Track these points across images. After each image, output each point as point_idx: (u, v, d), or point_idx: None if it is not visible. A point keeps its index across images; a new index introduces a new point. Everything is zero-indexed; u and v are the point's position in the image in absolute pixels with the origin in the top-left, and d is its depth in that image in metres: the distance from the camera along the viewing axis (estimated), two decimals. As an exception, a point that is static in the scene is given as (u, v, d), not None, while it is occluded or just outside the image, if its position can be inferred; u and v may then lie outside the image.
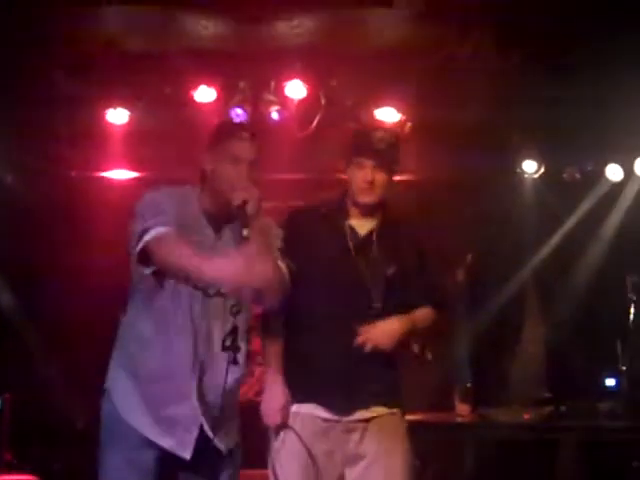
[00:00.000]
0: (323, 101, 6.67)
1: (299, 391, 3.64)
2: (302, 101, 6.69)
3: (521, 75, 6.22)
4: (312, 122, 6.73)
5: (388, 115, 6.80)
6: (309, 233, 3.71)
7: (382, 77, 6.46)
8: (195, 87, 6.53)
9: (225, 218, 3.29)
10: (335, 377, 3.61)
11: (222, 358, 3.24)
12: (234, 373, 3.28)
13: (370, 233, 3.73)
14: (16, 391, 6.27)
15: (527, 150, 7.25)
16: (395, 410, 3.72)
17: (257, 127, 6.52)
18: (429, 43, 6.08)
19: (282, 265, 3.36)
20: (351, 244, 3.69)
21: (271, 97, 6.69)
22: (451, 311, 7.21)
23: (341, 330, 3.59)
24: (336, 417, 3.63)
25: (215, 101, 6.62)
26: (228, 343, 3.23)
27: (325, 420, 3.63)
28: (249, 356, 3.46)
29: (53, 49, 5.86)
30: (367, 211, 3.73)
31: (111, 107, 6.63)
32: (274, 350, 3.68)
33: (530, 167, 7.32)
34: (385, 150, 3.68)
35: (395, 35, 6.03)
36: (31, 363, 6.72)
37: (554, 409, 6.17)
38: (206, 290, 3.28)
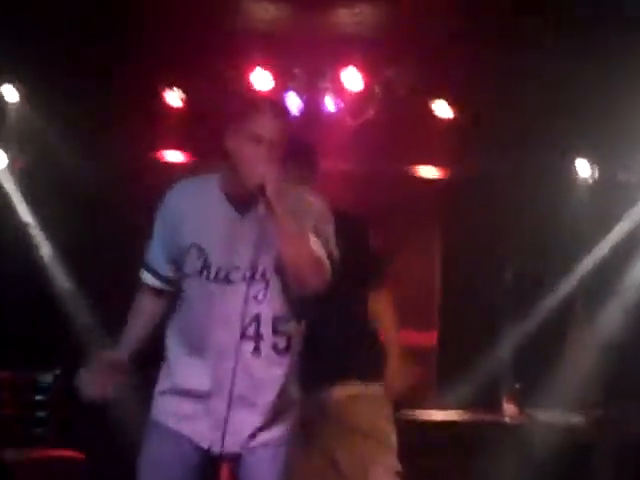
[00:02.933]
0: (378, 90, 6.65)
1: None
2: (357, 90, 6.68)
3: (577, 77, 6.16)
4: (366, 111, 6.71)
5: (443, 107, 6.78)
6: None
7: (440, 68, 6.42)
8: (252, 69, 6.52)
9: (248, 199, 3.06)
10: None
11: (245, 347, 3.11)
12: (260, 363, 3.12)
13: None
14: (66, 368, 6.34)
15: (581, 152, 7.19)
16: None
17: (311, 115, 6.73)
18: (490, 34, 6.02)
19: (318, 246, 3.07)
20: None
21: (326, 85, 6.69)
22: (498, 310, 7.21)
23: None
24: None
25: (271, 89, 6.62)
26: (250, 332, 3.09)
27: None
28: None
29: (116, 26, 5.88)
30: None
31: (168, 88, 6.67)
32: None
33: (584, 170, 7.26)
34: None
35: (456, 25, 5.98)
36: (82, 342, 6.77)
37: (604, 412, 6.10)
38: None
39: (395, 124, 6.73)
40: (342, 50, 6.46)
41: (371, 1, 5.93)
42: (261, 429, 3.15)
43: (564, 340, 7.29)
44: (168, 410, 3.21)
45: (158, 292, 3.28)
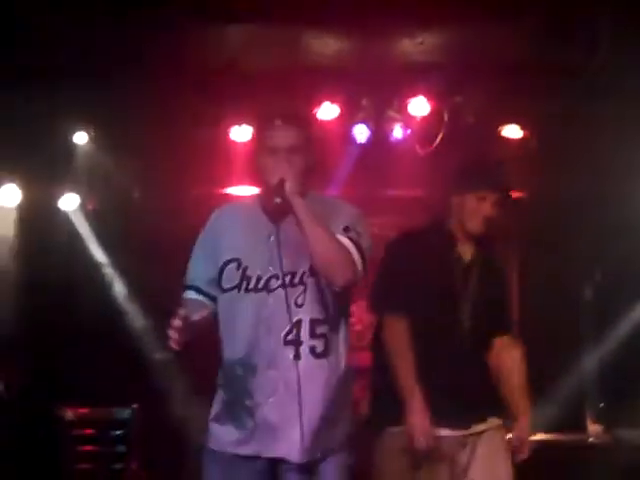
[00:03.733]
0: (446, 118, 6.59)
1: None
2: (425, 118, 6.63)
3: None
4: (435, 139, 6.65)
5: (512, 132, 6.70)
6: (417, 258, 3.76)
7: (507, 93, 6.34)
8: (318, 104, 6.54)
9: (280, 207, 3.11)
10: (448, 391, 3.63)
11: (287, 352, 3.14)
12: (300, 368, 3.12)
13: (472, 258, 3.83)
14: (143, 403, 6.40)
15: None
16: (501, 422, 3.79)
17: (380, 145, 6.71)
18: (555, 58, 5.93)
19: (348, 244, 3.13)
20: (456, 269, 3.78)
21: (394, 114, 6.66)
22: (581, 329, 7.08)
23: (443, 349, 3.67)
24: (452, 432, 3.67)
25: (338, 118, 6.63)
26: (291, 337, 3.14)
27: (441, 437, 3.66)
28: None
29: (180, 66, 5.93)
30: (474, 239, 3.82)
31: (235, 124, 6.69)
32: (406, 365, 3.65)
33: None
34: (507, 185, 3.86)
35: (521, 50, 5.90)
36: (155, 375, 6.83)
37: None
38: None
39: (464, 150, 6.65)
40: (408, 79, 6.45)
41: (433, 30, 5.86)
42: (316, 434, 3.15)
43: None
44: (224, 436, 3.23)
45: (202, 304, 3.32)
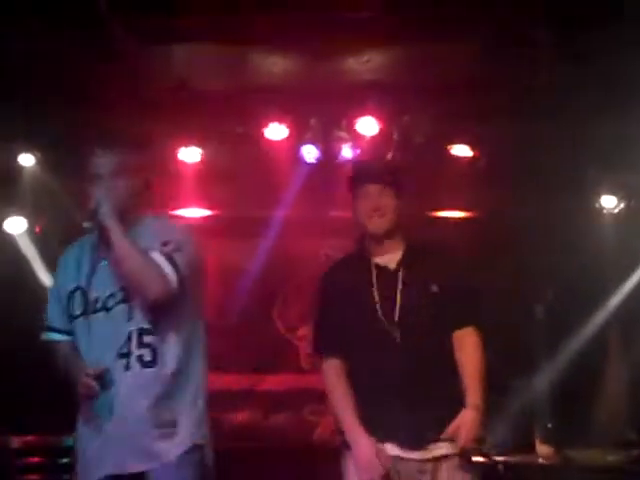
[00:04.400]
0: (395, 137, 6.60)
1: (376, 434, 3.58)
2: (374, 138, 6.63)
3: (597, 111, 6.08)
4: (384, 159, 6.65)
5: (462, 151, 6.73)
6: (341, 283, 3.71)
7: (455, 113, 6.36)
8: (266, 125, 6.52)
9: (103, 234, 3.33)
10: (397, 410, 3.54)
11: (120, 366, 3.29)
12: (132, 378, 3.28)
13: (397, 266, 3.67)
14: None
15: (605, 185, 7.09)
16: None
17: (329, 165, 6.70)
18: (502, 78, 5.97)
19: (160, 259, 3.27)
20: (375, 280, 3.65)
21: (343, 134, 6.65)
22: (530, 349, 7.07)
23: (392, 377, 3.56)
24: (408, 454, 3.54)
25: (286, 138, 6.62)
26: (124, 350, 3.29)
27: (398, 458, 3.55)
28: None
29: (125, 87, 5.89)
30: (384, 243, 3.68)
31: (183, 146, 6.65)
32: (344, 405, 3.63)
33: (609, 202, 7.15)
34: (389, 174, 3.68)
35: (469, 69, 5.94)
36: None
37: (640, 451, 5.96)
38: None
39: (414, 169, 6.66)
40: (356, 98, 6.43)
41: (380, 48, 5.88)
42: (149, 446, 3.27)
43: (599, 376, 7.15)
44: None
45: (62, 345, 3.51)
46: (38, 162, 6.60)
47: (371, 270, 3.68)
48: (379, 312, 3.61)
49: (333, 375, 3.67)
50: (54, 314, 3.52)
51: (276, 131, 6.54)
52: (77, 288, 3.39)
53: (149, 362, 3.28)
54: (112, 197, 3.24)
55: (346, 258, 3.86)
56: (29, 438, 6.46)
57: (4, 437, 6.39)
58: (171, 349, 3.33)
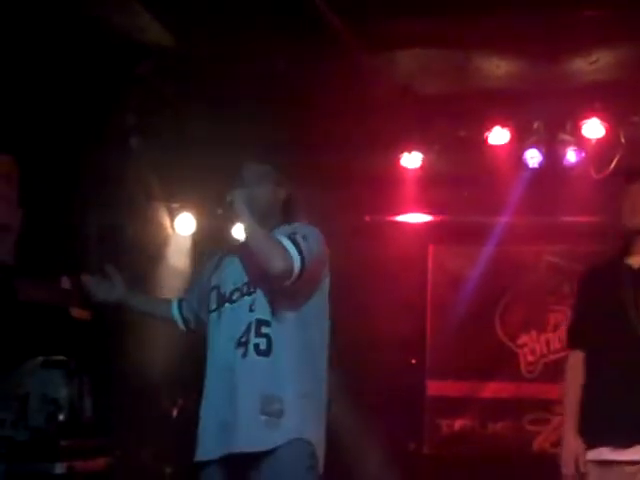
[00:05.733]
0: (623, 140, 6.39)
1: (591, 436, 3.68)
2: (600, 141, 6.44)
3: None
4: (610, 163, 6.45)
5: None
6: (600, 284, 3.88)
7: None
8: (489, 129, 6.46)
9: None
10: (625, 417, 3.62)
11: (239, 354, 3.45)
12: (248, 365, 3.42)
13: None
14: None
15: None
16: None
17: (553, 169, 6.57)
18: None
19: (285, 241, 3.41)
20: (628, 281, 3.77)
21: (567, 137, 6.50)
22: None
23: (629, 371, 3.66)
24: (620, 457, 3.60)
25: (509, 142, 6.53)
26: (243, 339, 3.45)
27: (611, 462, 3.62)
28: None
29: (347, 94, 5.99)
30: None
31: (405, 151, 6.70)
32: (571, 398, 3.78)
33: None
34: None
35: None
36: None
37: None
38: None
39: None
40: (582, 100, 6.28)
41: (608, 47, 5.69)
42: (255, 431, 3.37)
43: None
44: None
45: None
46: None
47: (622, 270, 3.80)
48: (630, 312, 3.72)
49: (575, 365, 3.82)
50: (191, 300, 3.84)
51: (499, 135, 6.46)
52: (215, 287, 3.62)
53: (264, 351, 3.42)
54: (247, 196, 3.47)
55: (602, 260, 4.05)
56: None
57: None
58: (286, 341, 3.45)
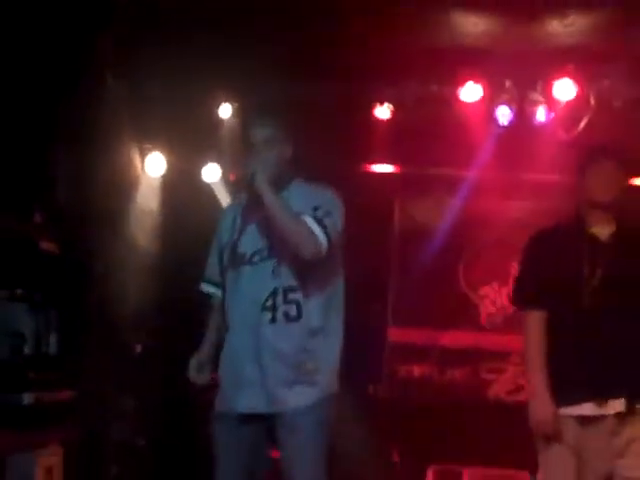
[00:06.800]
0: (592, 102, 6.47)
1: (566, 393, 3.74)
2: (570, 102, 6.51)
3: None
4: (579, 124, 6.54)
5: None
6: (553, 245, 3.93)
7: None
8: (462, 84, 6.52)
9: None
10: (600, 372, 3.69)
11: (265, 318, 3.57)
12: (278, 329, 3.56)
13: (611, 237, 3.85)
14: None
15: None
16: None
17: (523, 127, 6.63)
18: None
19: (310, 221, 3.54)
20: (587, 248, 3.82)
21: (538, 97, 6.57)
22: None
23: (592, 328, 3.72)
24: (603, 412, 3.68)
25: (480, 100, 6.59)
26: (269, 304, 3.57)
27: (593, 417, 3.70)
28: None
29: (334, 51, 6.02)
30: (604, 214, 3.85)
31: (377, 102, 6.73)
32: (538, 359, 3.81)
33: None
34: (622, 154, 3.89)
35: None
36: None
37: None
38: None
39: (611, 135, 6.51)
40: (554, 61, 6.32)
41: (584, 10, 5.75)
42: (284, 391, 3.54)
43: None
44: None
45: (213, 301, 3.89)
46: (234, 112, 6.81)
47: (584, 238, 3.86)
48: (585, 274, 3.78)
49: (535, 327, 3.86)
50: (212, 267, 3.86)
51: (471, 91, 6.50)
52: (229, 242, 3.72)
53: (294, 317, 3.58)
54: (265, 165, 3.56)
55: (560, 224, 4.04)
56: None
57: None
58: (315, 306, 3.61)
